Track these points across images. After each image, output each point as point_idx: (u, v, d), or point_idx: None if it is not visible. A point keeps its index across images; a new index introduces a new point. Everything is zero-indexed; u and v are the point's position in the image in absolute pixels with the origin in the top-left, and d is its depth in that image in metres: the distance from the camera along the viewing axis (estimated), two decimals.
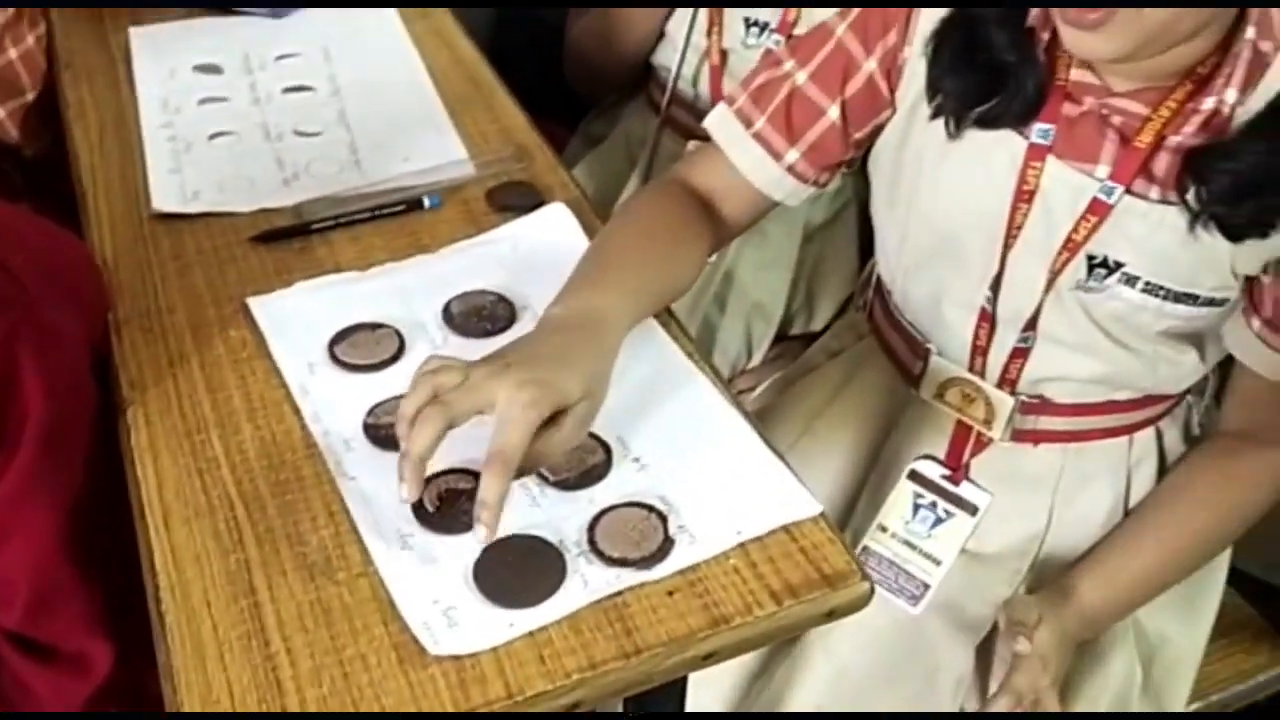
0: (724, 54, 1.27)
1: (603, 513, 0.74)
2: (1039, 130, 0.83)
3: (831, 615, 0.70)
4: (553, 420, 0.71)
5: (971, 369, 0.95)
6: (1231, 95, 0.77)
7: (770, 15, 1.23)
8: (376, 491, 0.75)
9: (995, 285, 0.88)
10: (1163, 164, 0.80)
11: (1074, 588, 0.93)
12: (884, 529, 1.00)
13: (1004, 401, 0.94)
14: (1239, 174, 0.76)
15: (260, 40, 1.23)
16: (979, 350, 0.93)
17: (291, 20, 1.27)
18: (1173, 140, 0.79)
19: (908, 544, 1.00)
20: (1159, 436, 0.98)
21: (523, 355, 0.73)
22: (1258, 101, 0.77)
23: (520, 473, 0.69)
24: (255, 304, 0.89)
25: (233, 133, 1.09)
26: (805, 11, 1.21)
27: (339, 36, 1.24)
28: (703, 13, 1.26)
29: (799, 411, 1.10)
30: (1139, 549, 0.92)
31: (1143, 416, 0.96)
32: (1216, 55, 0.77)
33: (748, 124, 0.93)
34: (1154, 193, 0.81)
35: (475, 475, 0.75)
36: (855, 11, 0.91)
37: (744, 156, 0.93)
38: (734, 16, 1.25)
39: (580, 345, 0.75)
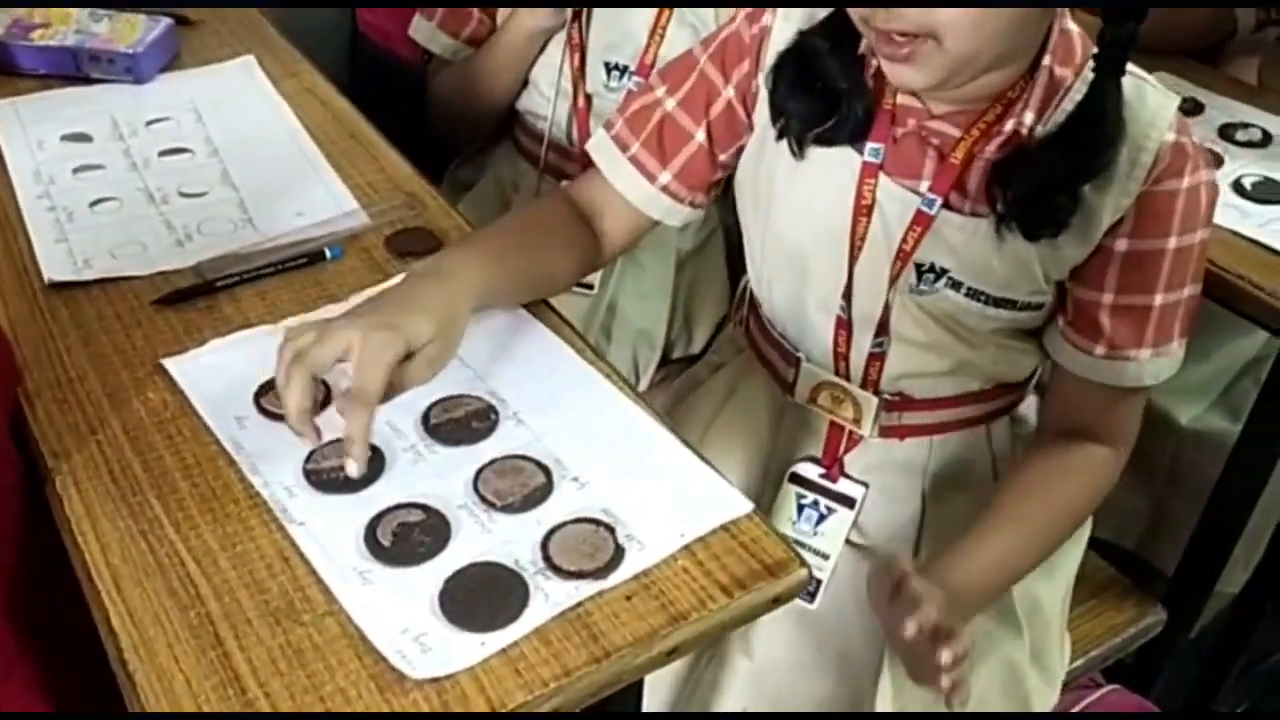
0: (588, 98, 1.33)
1: (553, 531, 0.77)
2: (870, 149, 0.91)
3: (777, 601, 0.75)
4: (407, 359, 0.77)
5: (837, 372, 1.02)
6: (1029, 117, 0.87)
7: (629, 58, 1.30)
8: (328, 533, 0.77)
9: (847, 293, 0.96)
10: (974, 180, 0.89)
11: (939, 576, 0.99)
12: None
13: (869, 401, 1.02)
14: (1032, 180, 0.85)
15: (126, 106, 1.22)
16: (840, 355, 1.01)
17: (155, 85, 1.27)
18: (980, 158, 0.89)
19: (797, 543, 1.05)
20: (1013, 423, 1.08)
21: (372, 305, 0.80)
22: (1053, 124, 0.86)
23: (381, 401, 0.76)
24: (171, 364, 0.89)
25: (114, 199, 1.08)
26: (662, 54, 1.28)
27: (206, 98, 1.25)
28: (567, 60, 1.31)
29: (689, 425, 1.15)
30: (992, 541, 0.97)
31: (996, 406, 1.05)
32: (1022, 81, 0.87)
33: (624, 148, 1.00)
34: (967, 206, 0.90)
35: (424, 509, 0.78)
36: (715, 42, 0.98)
37: (621, 178, 1.00)
38: (595, 62, 1.31)
39: (428, 293, 0.81)
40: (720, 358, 1.21)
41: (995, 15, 0.78)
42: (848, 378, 1.02)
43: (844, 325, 0.98)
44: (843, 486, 1.06)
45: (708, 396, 1.17)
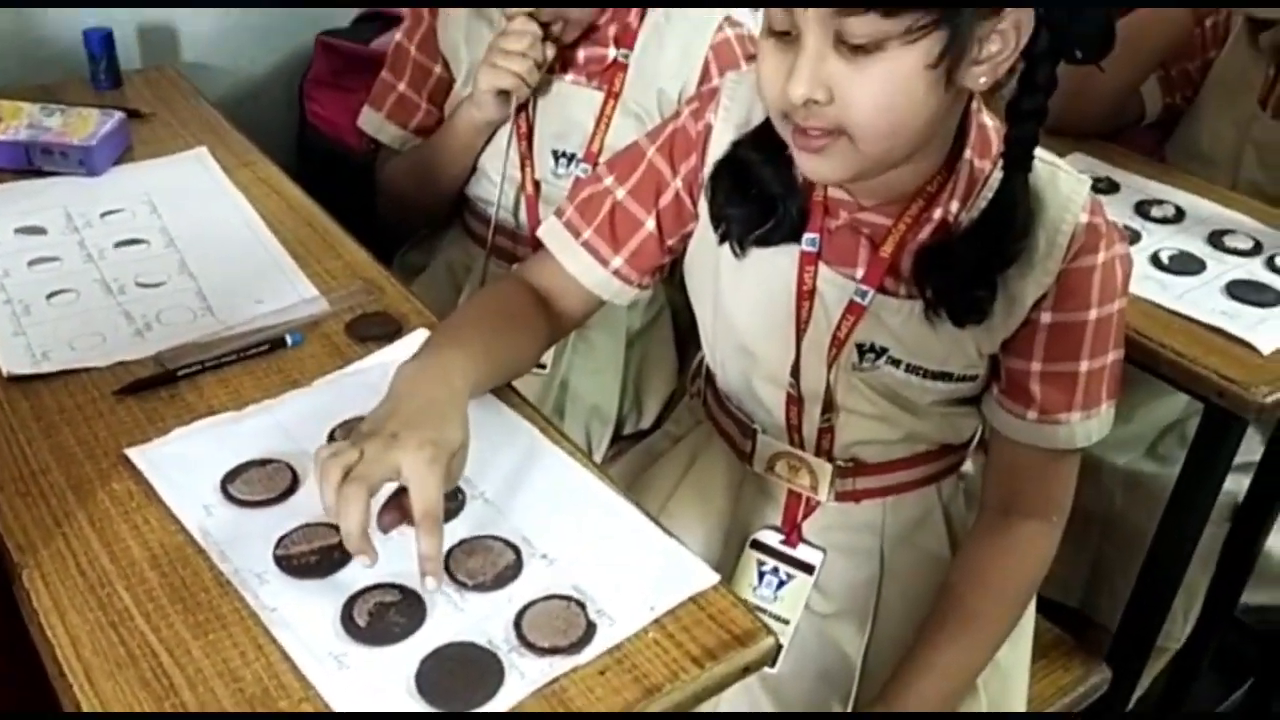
0: (537, 184, 1.36)
1: (525, 608, 0.78)
2: (808, 239, 0.96)
3: (747, 670, 0.77)
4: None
5: (792, 443, 1.06)
6: (955, 206, 0.92)
7: (576, 146, 1.34)
8: (301, 618, 0.77)
9: (795, 371, 1.00)
10: (907, 264, 0.94)
11: (900, 699, 1.00)
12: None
13: (824, 468, 1.06)
14: (951, 272, 0.91)
15: (79, 199, 1.23)
16: (794, 427, 1.05)
17: (108, 177, 1.28)
18: (912, 245, 0.94)
19: (759, 609, 1.08)
20: (960, 478, 1.12)
21: (402, 421, 0.80)
22: (976, 211, 0.92)
23: None
24: (135, 454, 0.90)
25: (71, 290, 1.09)
26: (608, 142, 1.32)
27: (160, 189, 1.26)
28: (514, 148, 1.35)
29: (650, 496, 1.17)
30: (946, 651, 1.00)
31: (944, 465, 1.09)
32: (943, 174, 0.92)
33: (576, 234, 1.04)
34: (902, 289, 0.95)
35: (400, 589, 0.79)
36: (662, 135, 1.03)
37: (574, 262, 1.04)
38: (543, 150, 1.35)
39: (443, 400, 0.84)
40: (678, 429, 1.24)
41: (909, 119, 0.83)
42: (802, 447, 1.06)
43: (795, 400, 1.02)
44: (801, 552, 1.09)
45: (667, 467, 1.20)
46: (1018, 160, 0.88)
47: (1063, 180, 0.93)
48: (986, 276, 0.90)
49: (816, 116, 0.83)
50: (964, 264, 0.90)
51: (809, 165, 0.88)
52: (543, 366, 1.37)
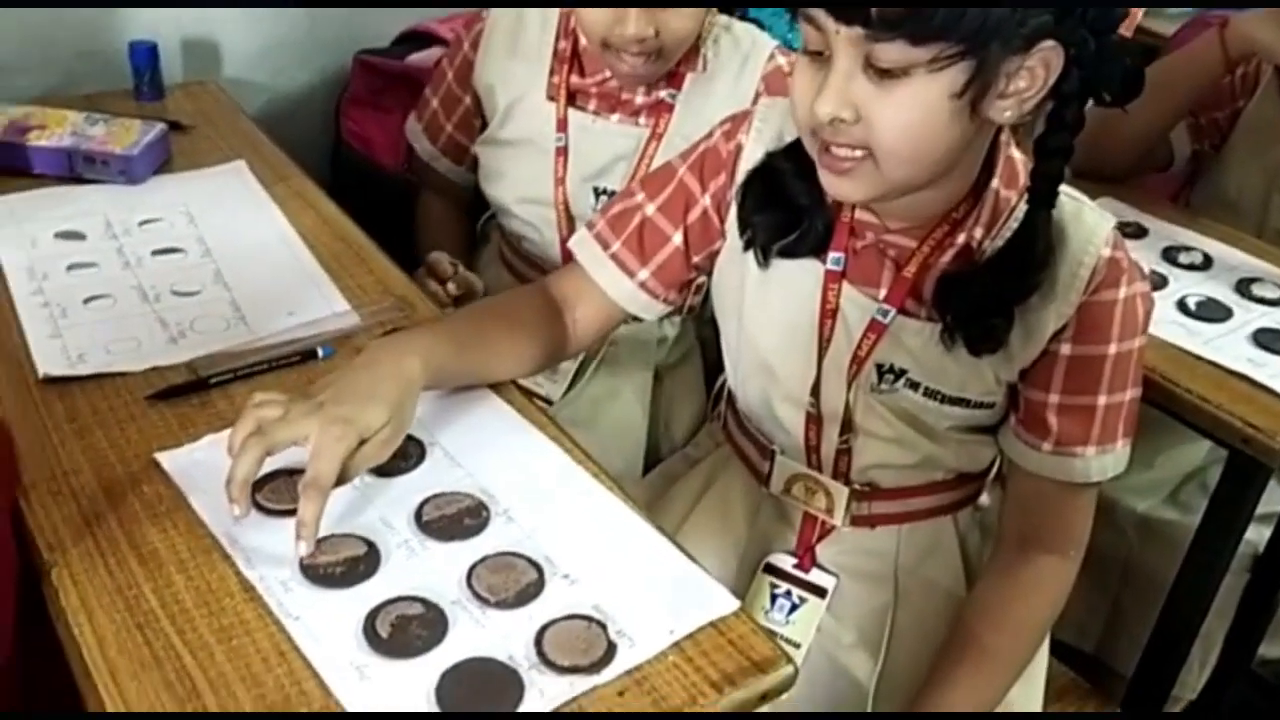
0: (572, 220, 1.36)
1: (546, 627, 0.79)
2: (833, 258, 0.98)
3: (765, 698, 0.78)
4: (360, 446, 0.83)
5: (809, 464, 1.07)
6: (979, 233, 0.94)
7: (617, 184, 1.33)
8: (324, 627, 0.78)
9: (815, 391, 1.01)
10: (929, 287, 0.95)
11: None
12: None
13: (840, 491, 1.06)
14: (970, 300, 0.92)
15: (119, 206, 1.25)
16: (812, 448, 1.05)
17: (147, 186, 1.30)
18: (934, 268, 0.95)
19: (770, 632, 1.07)
20: (976, 509, 1.12)
21: (334, 393, 0.85)
22: (1001, 239, 0.93)
23: (337, 483, 0.82)
24: (165, 459, 0.91)
25: (108, 296, 1.11)
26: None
27: (198, 200, 1.28)
28: (553, 186, 1.35)
29: (667, 517, 1.18)
30: (962, 687, 1.00)
31: (960, 495, 1.09)
32: (969, 201, 0.94)
33: (605, 246, 1.06)
34: (923, 312, 0.96)
35: (423, 602, 0.80)
36: (694, 154, 1.05)
37: (602, 273, 1.06)
38: (583, 187, 1.34)
39: (384, 379, 0.87)
40: (697, 453, 1.25)
41: (931, 145, 0.84)
42: (820, 469, 1.06)
43: (814, 420, 1.03)
44: (814, 576, 1.10)
45: (685, 490, 1.21)
46: (1042, 196, 0.89)
47: (1087, 215, 0.94)
48: (1004, 306, 0.91)
49: (843, 135, 0.84)
50: (983, 292, 0.91)
51: (833, 185, 0.89)
52: (548, 401, 1.37)
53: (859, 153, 0.85)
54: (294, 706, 0.73)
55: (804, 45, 0.87)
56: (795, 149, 0.95)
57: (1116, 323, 0.94)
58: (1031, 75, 0.83)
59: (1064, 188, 0.92)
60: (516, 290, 1.11)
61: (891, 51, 0.80)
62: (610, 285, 1.06)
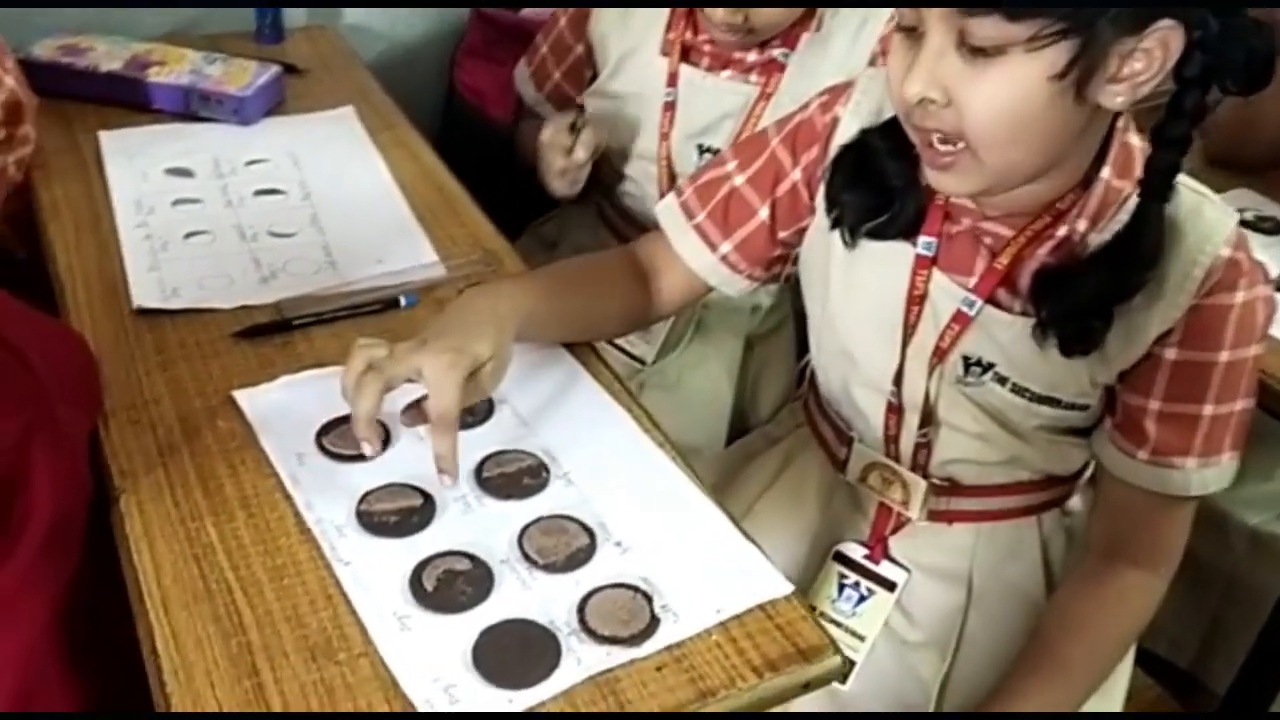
0: (674, 178, 1.34)
1: (590, 594, 0.78)
2: (924, 243, 0.93)
3: (808, 687, 0.75)
4: (471, 378, 0.83)
5: (887, 454, 1.03)
6: (1082, 225, 0.87)
7: (722, 142, 1.31)
8: (372, 575, 0.78)
9: (898, 379, 0.97)
10: (1024, 279, 0.90)
11: None
12: (812, 609, 1.06)
13: (918, 484, 1.02)
14: (1068, 298, 0.86)
15: (228, 146, 1.28)
16: (891, 438, 1.01)
17: (258, 128, 1.33)
18: (1030, 260, 0.89)
19: (834, 622, 1.06)
20: (1064, 514, 1.06)
21: (435, 331, 0.86)
22: (1108, 232, 0.87)
23: None
24: (241, 396, 0.92)
25: (208, 233, 1.13)
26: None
27: (304, 143, 1.30)
28: (657, 144, 1.34)
29: (741, 495, 1.16)
30: (1036, 698, 0.95)
31: (1047, 497, 1.04)
32: (1076, 191, 0.87)
33: (690, 215, 1.04)
34: (1016, 305, 0.91)
35: (471, 558, 0.80)
36: (788, 125, 1.01)
37: (684, 244, 1.04)
38: (687, 144, 1.32)
39: (482, 318, 0.88)
40: (778, 431, 1.22)
41: (1030, 130, 0.79)
42: (898, 460, 1.02)
43: (894, 410, 0.99)
44: (884, 569, 1.06)
45: (761, 468, 1.18)
46: (1156, 189, 0.83)
47: (1208, 210, 0.87)
48: (1103, 307, 0.85)
49: (933, 118, 0.80)
50: (1083, 290, 0.85)
51: (937, 180, 0.85)
52: (641, 361, 1.37)
53: (959, 145, 0.80)
54: (333, 650, 0.73)
55: (898, 20, 0.82)
56: (892, 126, 0.90)
57: (1231, 328, 0.87)
58: (1148, 57, 0.77)
59: (1186, 179, 0.86)
60: (605, 252, 1.09)
61: (986, 27, 0.75)
62: (692, 257, 1.04)
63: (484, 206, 1.23)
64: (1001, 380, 0.93)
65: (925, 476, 1.02)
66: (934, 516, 1.04)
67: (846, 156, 0.95)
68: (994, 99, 0.77)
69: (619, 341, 1.40)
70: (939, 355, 0.94)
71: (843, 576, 1.08)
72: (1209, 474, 0.91)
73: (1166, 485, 0.92)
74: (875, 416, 1.01)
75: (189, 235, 1.12)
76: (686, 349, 1.40)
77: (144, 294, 1.03)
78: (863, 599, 1.06)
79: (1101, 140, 0.86)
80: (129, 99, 1.33)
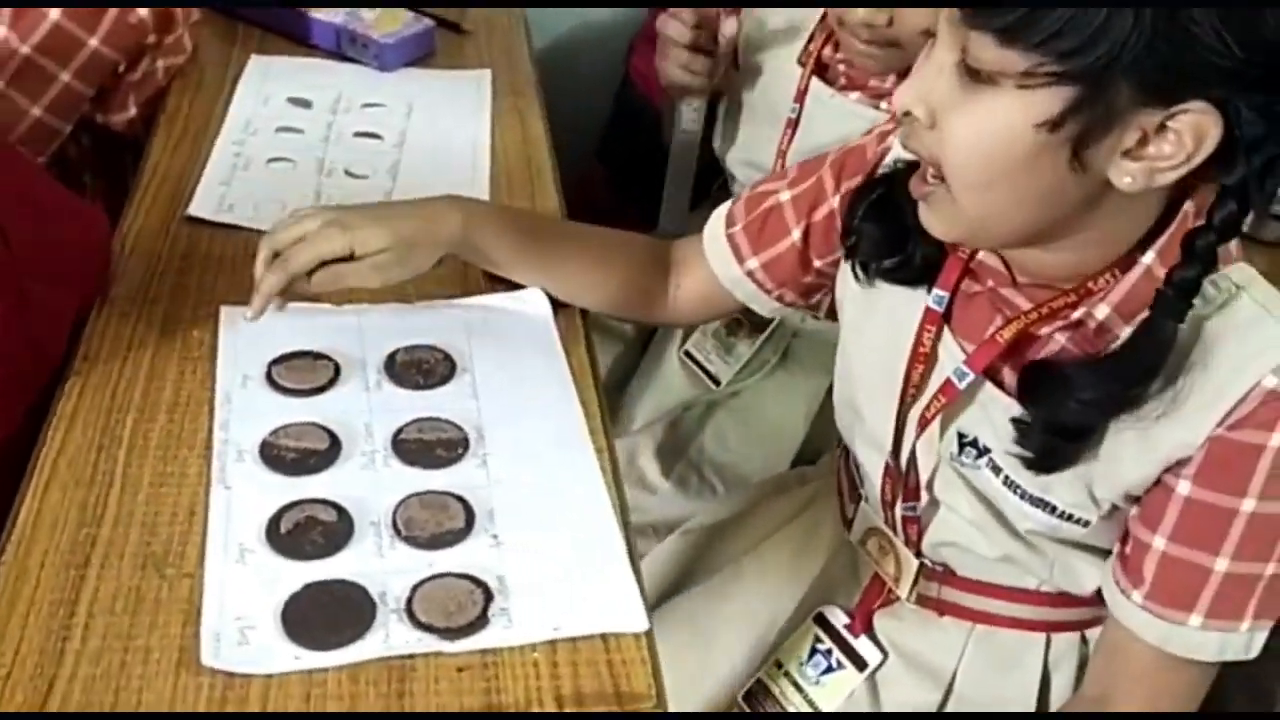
0: None
1: (433, 577, 0.74)
2: (935, 296, 0.82)
3: None
4: (354, 259, 0.86)
5: (885, 521, 0.93)
6: (1102, 311, 0.74)
7: None
8: (243, 505, 0.78)
9: (896, 442, 0.87)
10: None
11: None
12: (779, 665, 0.98)
13: (910, 562, 0.92)
14: (1051, 401, 0.73)
15: (358, 87, 1.32)
16: (887, 504, 0.91)
17: (394, 75, 1.36)
18: (1045, 340, 0.77)
19: (795, 685, 0.97)
20: (1084, 642, 0.92)
21: (353, 206, 0.90)
22: (1132, 326, 0.73)
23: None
24: (226, 311, 0.95)
25: (291, 161, 1.17)
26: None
27: (427, 98, 1.31)
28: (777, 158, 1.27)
29: (753, 529, 1.09)
30: None
31: (1061, 616, 0.90)
32: (1114, 274, 0.74)
33: (730, 224, 0.99)
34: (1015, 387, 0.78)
35: (341, 512, 0.78)
36: (845, 149, 0.94)
37: (714, 250, 0.99)
38: None
39: (409, 218, 0.90)
40: (816, 472, 1.15)
41: (1006, 178, 0.68)
42: (894, 530, 0.92)
43: (890, 475, 0.88)
44: (861, 645, 0.96)
45: (783, 507, 1.11)
46: (1169, 304, 0.69)
47: (1269, 328, 0.72)
48: (1084, 418, 0.73)
49: (915, 138, 0.71)
50: (1061, 389, 0.72)
51: (921, 213, 0.76)
52: (716, 381, 1.31)
53: (939, 177, 0.71)
54: (165, 564, 0.74)
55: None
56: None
57: (1261, 475, 0.71)
58: (1178, 142, 0.64)
59: (1257, 281, 0.73)
60: (637, 234, 1.05)
61: (983, 47, 0.65)
62: (718, 265, 0.99)
63: (641, 189, 1.21)
64: (995, 470, 0.81)
65: (918, 555, 0.91)
66: (923, 602, 0.93)
67: (875, 184, 0.86)
68: (972, 130, 0.67)
69: (696, 357, 1.35)
70: (922, 425, 0.83)
71: (818, 640, 0.98)
72: (1224, 640, 0.76)
73: (1163, 640, 0.77)
74: (874, 477, 0.92)
75: (271, 160, 1.17)
76: (769, 376, 1.33)
77: (201, 204, 1.08)
78: (830, 670, 0.97)
79: (1157, 218, 0.73)
80: (291, 32, 1.40)
